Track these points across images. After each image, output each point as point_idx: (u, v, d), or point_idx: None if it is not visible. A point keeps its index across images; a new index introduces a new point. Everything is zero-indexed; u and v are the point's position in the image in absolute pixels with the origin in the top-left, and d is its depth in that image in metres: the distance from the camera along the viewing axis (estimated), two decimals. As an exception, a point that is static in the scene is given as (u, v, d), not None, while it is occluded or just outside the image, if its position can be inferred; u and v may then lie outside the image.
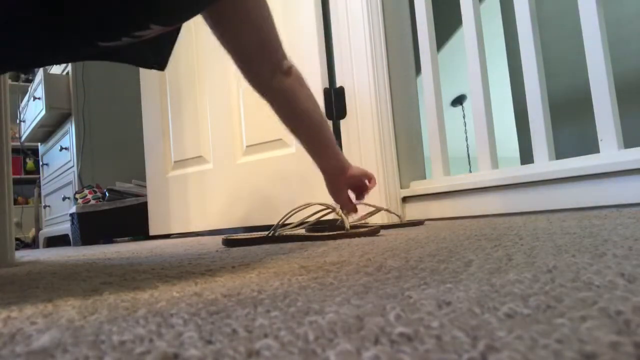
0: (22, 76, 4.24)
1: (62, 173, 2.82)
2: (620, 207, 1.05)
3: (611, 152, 1.09)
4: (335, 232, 0.91)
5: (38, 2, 0.46)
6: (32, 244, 3.48)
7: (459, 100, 3.73)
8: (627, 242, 0.44)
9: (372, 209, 1.20)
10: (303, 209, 0.96)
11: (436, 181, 1.46)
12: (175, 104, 1.97)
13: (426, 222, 1.29)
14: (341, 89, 1.55)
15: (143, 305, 0.31)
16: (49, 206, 3.13)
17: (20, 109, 3.13)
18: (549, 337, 0.18)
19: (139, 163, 2.19)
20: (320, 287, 0.34)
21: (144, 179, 2.15)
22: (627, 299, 0.23)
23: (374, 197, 1.48)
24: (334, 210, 0.97)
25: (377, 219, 1.34)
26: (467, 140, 3.77)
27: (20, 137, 3.16)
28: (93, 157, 2.61)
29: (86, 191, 2.35)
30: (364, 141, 1.50)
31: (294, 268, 0.47)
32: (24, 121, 3.10)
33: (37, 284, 0.51)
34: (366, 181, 1.02)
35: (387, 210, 1.31)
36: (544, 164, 1.21)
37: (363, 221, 1.19)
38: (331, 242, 0.80)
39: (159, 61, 0.70)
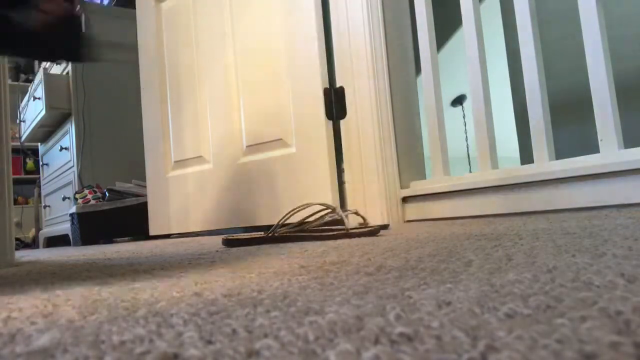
0: (22, 76, 4.24)
1: (62, 173, 2.83)
2: (620, 207, 1.05)
3: (611, 152, 1.09)
4: (335, 232, 0.91)
5: None
6: (32, 244, 3.48)
7: (459, 100, 3.73)
8: (627, 242, 0.44)
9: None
10: (303, 209, 0.96)
11: (436, 181, 1.46)
12: (175, 104, 1.97)
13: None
14: (341, 89, 1.55)
15: (143, 305, 0.31)
16: (49, 206, 3.13)
17: (20, 109, 3.13)
18: (549, 337, 0.18)
19: (139, 163, 2.19)
20: (320, 287, 0.34)
21: (144, 179, 2.15)
22: (627, 299, 0.23)
23: (373, 197, 1.49)
24: (334, 210, 0.97)
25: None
26: (467, 140, 3.77)
27: (20, 137, 3.16)
28: (93, 157, 2.61)
29: (86, 191, 2.35)
30: (364, 141, 1.50)
31: (294, 268, 0.47)
32: (24, 121, 3.10)
33: (37, 284, 0.51)
34: None
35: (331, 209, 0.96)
36: (544, 164, 1.21)
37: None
38: (331, 242, 0.80)
39: (70, 52, 0.71)
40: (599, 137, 1.12)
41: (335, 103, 1.56)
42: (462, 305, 0.24)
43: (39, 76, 2.72)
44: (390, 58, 1.55)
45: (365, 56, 1.51)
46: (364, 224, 1.21)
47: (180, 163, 1.96)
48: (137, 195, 2.31)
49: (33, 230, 3.50)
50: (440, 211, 1.43)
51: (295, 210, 0.96)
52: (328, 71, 1.58)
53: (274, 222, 0.96)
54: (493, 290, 0.27)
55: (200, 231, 1.91)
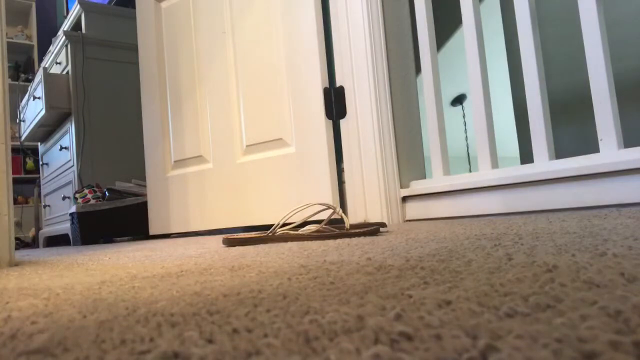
0: (22, 75, 4.24)
1: (62, 172, 2.83)
2: (620, 207, 1.05)
3: (611, 152, 1.10)
4: (335, 232, 0.91)
5: None
6: (32, 244, 3.48)
7: (459, 100, 3.73)
8: (627, 241, 0.44)
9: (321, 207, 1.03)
10: (303, 209, 0.96)
11: (436, 181, 1.46)
12: (175, 104, 1.97)
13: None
14: (341, 89, 1.55)
15: (143, 305, 0.31)
16: (48, 206, 3.13)
17: (20, 108, 3.13)
18: (549, 336, 0.18)
19: (139, 163, 2.20)
20: (320, 286, 0.34)
21: (144, 178, 2.15)
22: (627, 298, 0.23)
23: (373, 196, 1.49)
24: (334, 210, 0.97)
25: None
26: (467, 140, 3.77)
27: (20, 137, 3.16)
28: (93, 157, 2.61)
29: (86, 191, 2.35)
30: (364, 141, 1.51)
31: (294, 267, 0.47)
32: (23, 121, 3.10)
33: (37, 284, 0.51)
34: None
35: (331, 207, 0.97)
36: (544, 164, 1.22)
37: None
38: (331, 242, 0.80)
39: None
40: (599, 137, 1.12)
41: (335, 103, 1.56)
42: (462, 305, 0.24)
43: (39, 76, 2.72)
44: (390, 58, 1.55)
45: (365, 56, 1.51)
46: (363, 223, 1.21)
47: (180, 163, 1.96)
48: (137, 195, 2.31)
49: (33, 229, 3.50)
50: (440, 211, 1.43)
51: (295, 210, 0.96)
52: (328, 71, 1.58)
53: (274, 221, 0.96)
54: (493, 290, 0.27)
55: (200, 231, 1.91)
